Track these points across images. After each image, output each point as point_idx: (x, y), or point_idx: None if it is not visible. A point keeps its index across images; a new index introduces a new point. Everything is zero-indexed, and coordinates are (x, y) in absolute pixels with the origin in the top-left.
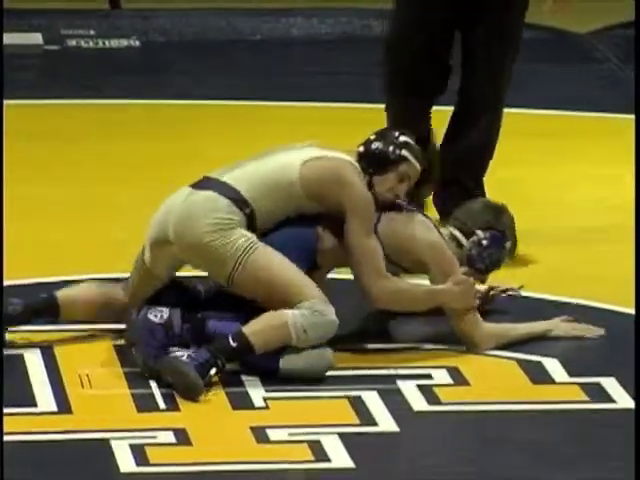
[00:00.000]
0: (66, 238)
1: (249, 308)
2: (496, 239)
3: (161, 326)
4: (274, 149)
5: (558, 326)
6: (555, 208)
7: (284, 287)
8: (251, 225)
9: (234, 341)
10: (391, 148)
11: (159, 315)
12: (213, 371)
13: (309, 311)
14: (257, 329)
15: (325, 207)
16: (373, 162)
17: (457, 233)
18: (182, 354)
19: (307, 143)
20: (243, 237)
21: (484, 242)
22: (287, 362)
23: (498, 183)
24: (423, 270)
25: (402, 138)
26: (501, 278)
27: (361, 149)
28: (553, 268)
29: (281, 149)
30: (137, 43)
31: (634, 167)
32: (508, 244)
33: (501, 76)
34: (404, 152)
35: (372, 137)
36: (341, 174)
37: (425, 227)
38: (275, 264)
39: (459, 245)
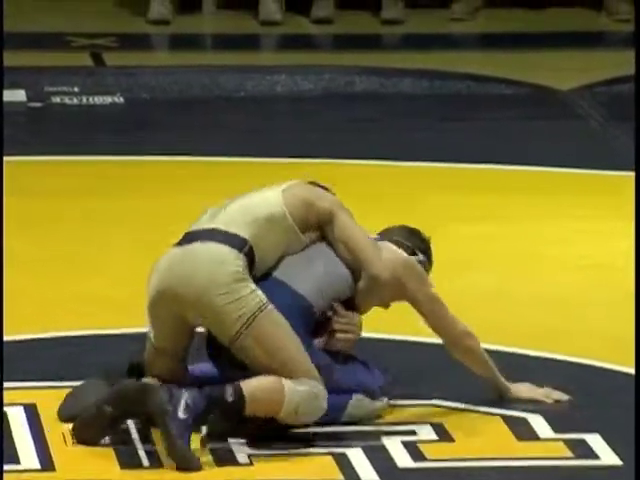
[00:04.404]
0: (50, 295)
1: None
2: (426, 260)
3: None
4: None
5: (519, 388)
6: (538, 264)
7: (287, 360)
8: (251, 264)
9: (232, 396)
10: None
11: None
12: (204, 431)
13: (307, 392)
14: (254, 393)
15: (315, 222)
16: None
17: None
18: (179, 406)
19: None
20: (254, 296)
21: (422, 263)
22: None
23: (480, 239)
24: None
25: None
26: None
27: None
28: (536, 325)
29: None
30: (121, 100)
31: (634, 220)
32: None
33: None
34: None
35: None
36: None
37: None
38: (281, 334)
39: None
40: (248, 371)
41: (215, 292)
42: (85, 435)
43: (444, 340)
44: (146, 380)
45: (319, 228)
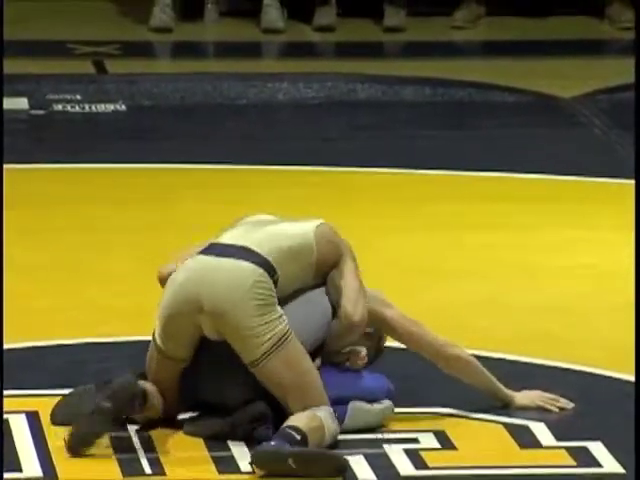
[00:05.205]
0: (52, 303)
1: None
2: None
3: None
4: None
5: (523, 395)
6: (539, 272)
7: (309, 384)
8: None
9: (298, 434)
10: None
11: None
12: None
13: (329, 415)
14: (307, 425)
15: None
16: None
17: None
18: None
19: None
20: (281, 320)
21: None
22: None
23: (482, 246)
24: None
25: None
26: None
27: None
28: (537, 333)
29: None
30: (123, 107)
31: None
32: None
33: None
34: None
35: None
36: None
37: None
38: (305, 360)
39: None
40: (225, 374)
41: (246, 312)
42: (82, 439)
43: (429, 355)
44: (144, 385)
45: (330, 268)
